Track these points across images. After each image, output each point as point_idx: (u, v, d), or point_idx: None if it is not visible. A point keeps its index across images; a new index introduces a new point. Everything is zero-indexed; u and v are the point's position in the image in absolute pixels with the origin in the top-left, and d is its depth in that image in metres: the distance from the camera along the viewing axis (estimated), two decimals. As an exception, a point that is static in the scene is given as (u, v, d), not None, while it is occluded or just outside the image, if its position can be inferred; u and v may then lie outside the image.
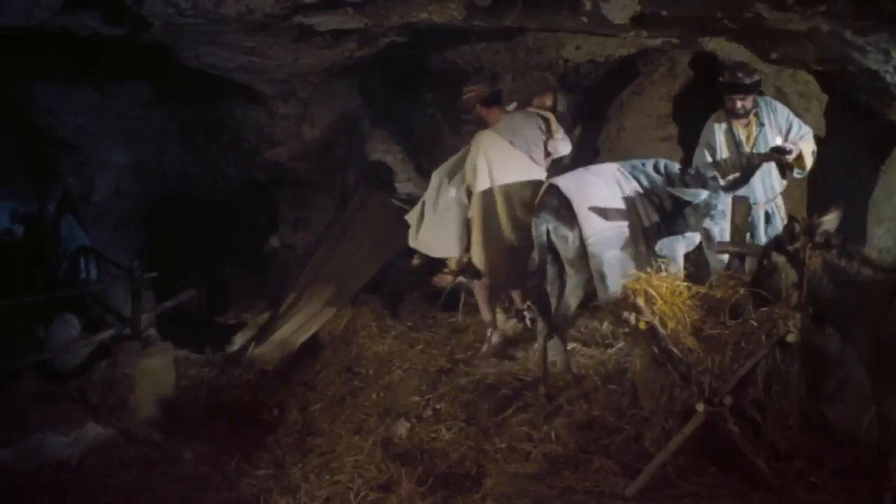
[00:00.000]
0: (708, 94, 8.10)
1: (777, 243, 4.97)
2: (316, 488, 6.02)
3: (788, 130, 7.32)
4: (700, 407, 4.78)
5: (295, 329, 9.28)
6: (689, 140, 9.11)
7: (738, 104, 7.23)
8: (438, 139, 11.62)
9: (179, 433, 7.66)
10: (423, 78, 11.02)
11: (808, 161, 7.25)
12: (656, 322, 5.11)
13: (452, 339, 8.35)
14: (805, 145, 7.23)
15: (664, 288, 5.27)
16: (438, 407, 6.87)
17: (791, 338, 4.66)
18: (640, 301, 5.25)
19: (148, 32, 8.08)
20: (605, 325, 7.86)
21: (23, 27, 7.72)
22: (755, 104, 7.33)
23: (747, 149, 7.34)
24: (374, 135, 11.72)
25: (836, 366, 5.07)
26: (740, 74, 7.23)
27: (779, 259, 5.00)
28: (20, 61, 9.71)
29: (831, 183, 8.46)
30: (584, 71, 10.32)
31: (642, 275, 5.45)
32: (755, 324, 4.83)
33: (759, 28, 7.01)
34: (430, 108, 11.49)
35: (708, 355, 4.88)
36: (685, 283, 5.40)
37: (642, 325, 5.19)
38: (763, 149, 7.26)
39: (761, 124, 7.32)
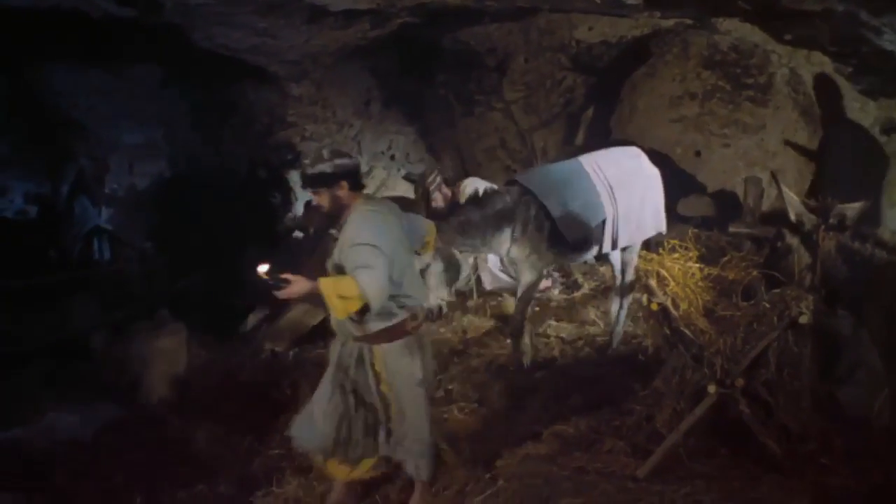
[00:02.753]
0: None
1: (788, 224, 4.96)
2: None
3: None
4: (712, 388, 4.77)
5: (307, 309, 9.28)
6: (702, 121, 9.10)
7: None
8: (450, 120, 11.60)
9: (192, 413, 7.67)
10: (435, 59, 11.00)
11: None
12: (668, 303, 5.10)
13: (464, 319, 8.34)
14: None
15: (676, 269, 5.25)
16: (450, 388, 6.88)
17: (803, 319, 4.65)
18: (653, 282, 5.24)
19: (159, 13, 8.09)
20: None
21: (36, 7, 7.73)
22: None
23: None
24: (386, 116, 11.70)
25: (848, 348, 5.06)
26: None
27: (792, 241, 4.99)
28: (34, 44, 9.73)
29: (843, 164, 8.43)
30: (596, 52, 10.29)
31: (655, 256, 5.43)
32: (767, 305, 4.81)
33: (774, 9, 6.99)
34: (442, 89, 11.47)
35: (720, 337, 4.87)
36: (697, 265, 5.38)
37: (655, 307, 5.19)
38: None
39: None
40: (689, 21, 9.28)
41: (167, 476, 6.50)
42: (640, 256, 5.61)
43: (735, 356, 4.79)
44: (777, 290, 4.88)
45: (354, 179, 5.01)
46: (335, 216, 5.08)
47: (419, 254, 5.66)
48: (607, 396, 5.92)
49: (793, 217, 4.96)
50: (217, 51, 9.56)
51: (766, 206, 7.97)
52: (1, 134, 13.05)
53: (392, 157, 12.10)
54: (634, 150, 7.50)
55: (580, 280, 8.87)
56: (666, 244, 5.60)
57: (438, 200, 7.77)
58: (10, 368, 8.86)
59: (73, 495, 6.37)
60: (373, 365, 5.13)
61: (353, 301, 4.72)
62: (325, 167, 4.93)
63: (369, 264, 4.73)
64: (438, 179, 7.87)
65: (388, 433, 5.27)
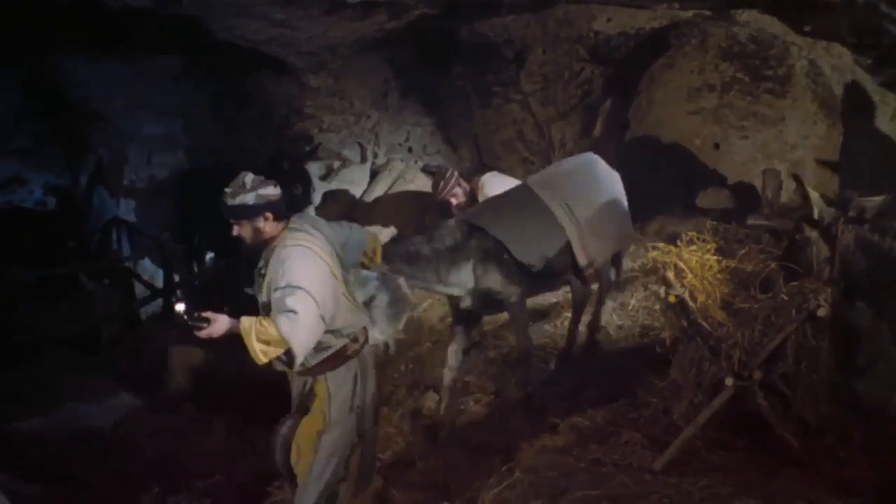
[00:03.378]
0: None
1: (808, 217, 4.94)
2: (345, 459, 6.05)
3: None
4: (729, 381, 4.75)
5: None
6: (720, 113, 9.07)
7: None
8: (468, 112, 11.59)
9: (209, 403, 7.71)
10: (453, 51, 10.99)
11: None
12: (686, 296, 5.08)
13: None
14: None
15: (694, 261, 5.23)
16: (467, 379, 6.88)
17: (822, 312, 4.62)
18: (670, 274, 5.23)
19: (178, 4, 8.12)
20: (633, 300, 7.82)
21: (55, -1, 7.76)
22: None
23: None
24: (403, 107, 11.70)
25: (866, 341, 5.03)
26: None
27: (811, 233, 4.97)
28: (53, 36, 9.77)
29: (863, 157, 8.39)
30: (614, 43, 10.25)
31: (672, 248, 5.42)
32: (786, 298, 4.78)
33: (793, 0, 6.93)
34: (460, 80, 11.47)
35: (738, 329, 4.84)
36: (715, 257, 5.36)
37: (672, 299, 5.17)
38: None
39: None
40: (707, 12, 9.23)
41: (184, 467, 6.55)
42: (657, 249, 5.55)
43: (753, 349, 4.77)
44: (795, 283, 4.85)
45: (279, 209, 4.69)
46: (258, 250, 4.76)
47: (367, 266, 5.36)
48: (624, 388, 5.91)
49: (816, 214, 4.94)
50: (235, 42, 9.58)
51: (784, 198, 7.94)
52: (21, 125, 13.12)
53: (409, 149, 12.10)
54: (588, 158, 7.20)
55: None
56: (684, 236, 5.58)
57: (459, 196, 7.65)
58: (29, 359, 8.93)
59: (93, 484, 6.43)
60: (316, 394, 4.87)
61: (274, 347, 4.42)
62: (247, 198, 4.61)
63: (294, 309, 4.41)
64: (455, 176, 7.74)
65: None
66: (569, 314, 7.85)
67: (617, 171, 7.14)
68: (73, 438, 7.10)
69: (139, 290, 12.07)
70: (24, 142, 13.41)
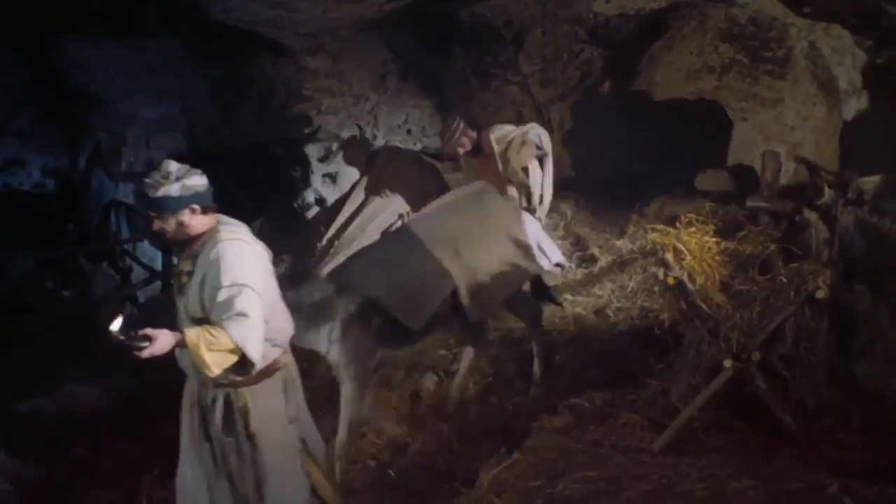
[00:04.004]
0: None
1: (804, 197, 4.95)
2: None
3: None
4: (728, 363, 4.77)
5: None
6: (720, 95, 9.05)
7: None
8: (467, 94, 11.57)
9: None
10: (452, 33, 10.95)
11: None
12: (685, 277, 5.09)
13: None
14: None
15: (693, 243, 5.24)
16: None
17: (820, 294, 4.63)
18: (669, 256, 5.24)
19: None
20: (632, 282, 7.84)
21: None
22: None
23: None
24: (402, 89, 11.67)
25: (865, 323, 5.04)
26: None
27: (810, 215, 4.98)
28: (52, 17, 9.75)
29: (865, 138, 8.39)
30: (613, 24, 10.23)
31: (671, 230, 5.42)
32: (784, 280, 4.80)
33: (793, -20, 6.91)
34: (459, 62, 11.44)
35: (736, 311, 4.86)
36: (714, 239, 5.37)
37: (671, 281, 5.18)
38: None
39: None
40: (707, -6, 9.21)
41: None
42: (657, 230, 5.51)
43: (751, 331, 4.79)
44: (794, 265, 4.86)
45: (207, 201, 4.23)
46: (182, 245, 4.31)
47: None
48: (623, 370, 5.93)
49: (826, 192, 4.95)
50: (233, 24, 9.54)
51: (784, 180, 7.94)
52: (20, 108, 13.11)
53: (408, 132, 12.06)
54: (477, 187, 6.66)
55: (597, 254, 8.86)
56: (683, 218, 5.59)
57: (466, 145, 7.50)
58: (30, 341, 8.94)
59: (94, 465, 6.45)
60: (240, 409, 4.34)
61: (227, 356, 4.01)
62: (171, 190, 4.13)
63: (244, 311, 4.00)
64: (462, 125, 7.56)
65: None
66: (568, 295, 7.87)
67: (621, 150, 7.06)
68: (75, 419, 7.12)
69: (138, 272, 12.14)
70: (22, 124, 13.40)
